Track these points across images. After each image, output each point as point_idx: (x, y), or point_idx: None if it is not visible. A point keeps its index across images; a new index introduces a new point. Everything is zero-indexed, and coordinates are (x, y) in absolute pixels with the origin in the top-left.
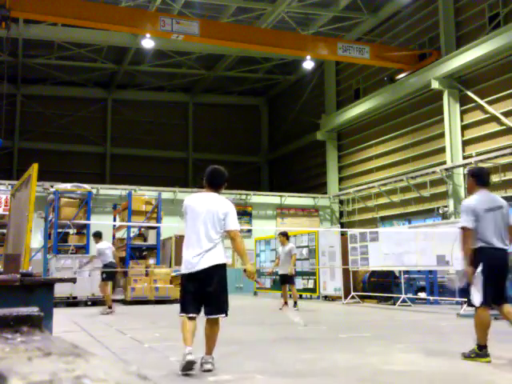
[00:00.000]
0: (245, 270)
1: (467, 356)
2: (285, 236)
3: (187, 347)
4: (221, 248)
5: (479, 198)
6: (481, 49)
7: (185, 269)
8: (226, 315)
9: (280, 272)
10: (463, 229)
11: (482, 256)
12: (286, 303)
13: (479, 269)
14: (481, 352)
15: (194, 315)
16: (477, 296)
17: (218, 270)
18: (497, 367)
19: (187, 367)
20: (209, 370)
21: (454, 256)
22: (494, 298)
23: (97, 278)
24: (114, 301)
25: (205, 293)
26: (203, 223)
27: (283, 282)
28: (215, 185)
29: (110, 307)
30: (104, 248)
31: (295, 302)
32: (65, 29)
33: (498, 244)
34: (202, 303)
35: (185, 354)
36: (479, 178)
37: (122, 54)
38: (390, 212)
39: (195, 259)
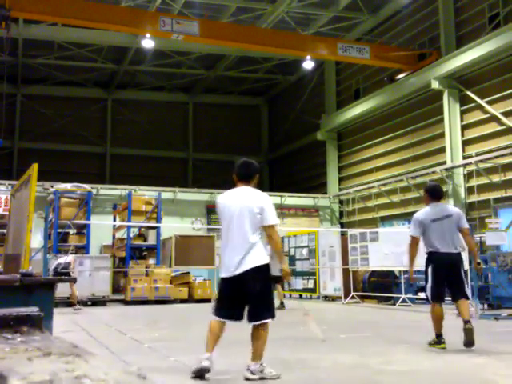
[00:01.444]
0: (281, 270)
1: (429, 343)
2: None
3: (206, 353)
4: (261, 247)
5: (428, 211)
6: (481, 49)
7: (224, 272)
8: (273, 318)
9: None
10: (411, 237)
11: (429, 259)
12: (282, 302)
13: (429, 270)
14: (437, 340)
15: (225, 321)
16: (428, 294)
17: (260, 272)
18: (499, 367)
19: (199, 372)
20: (246, 379)
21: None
22: (439, 295)
23: (97, 278)
24: (116, 300)
25: (247, 297)
26: (238, 221)
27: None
28: (246, 177)
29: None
30: None
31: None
32: (65, 29)
33: (443, 249)
34: (241, 309)
35: (201, 359)
36: (431, 193)
37: (122, 53)
38: (389, 212)
39: (234, 261)
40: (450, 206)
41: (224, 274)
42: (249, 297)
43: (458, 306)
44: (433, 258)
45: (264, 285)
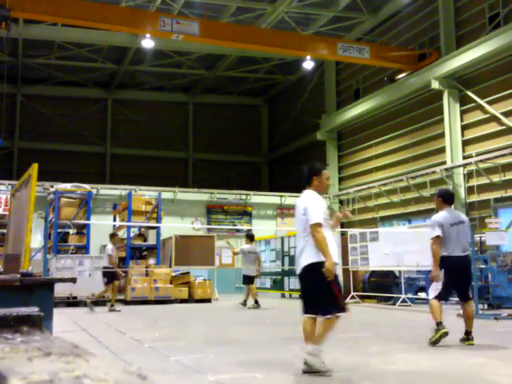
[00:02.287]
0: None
1: (430, 339)
2: (250, 238)
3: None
4: (310, 246)
5: (446, 215)
6: (481, 49)
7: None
8: (326, 315)
9: (245, 272)
10: (435, 237)
11: (442, 262)
12: (256, 301)
13: (442, 272)
14: (438, 327)
15: (304, 315)
16: (431, 292)
17: (310, 271)
18: (499, 367)
19: (309, 370)
20: (305, 363)
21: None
22: (445, 297)
23: (97, 278)
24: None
25: (304, 294)
26: (296, 223)
27: (246, 281)
28: (305, 181)
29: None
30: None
31: (245, 301)
32: (65, 29)
33: (457, 253)
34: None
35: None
36: (445, 198)
37: (122, 53)
38: (389, 212)
39: (296, 262)
40: (461, 213)
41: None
42: (304, 294)
43: (467, 309)
44: (447, 261)
45: (313, 283)
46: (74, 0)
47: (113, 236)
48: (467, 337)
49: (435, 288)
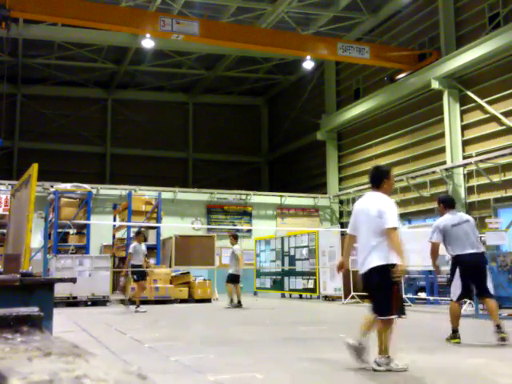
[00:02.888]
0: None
1: (446, 339)
2: (234, 237)
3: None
4: (381, 249)
5: (447, 217)
6: (481, 49)
7: (359, 268)
8: (383, 316)
9: (230, 271)
10: (432, 243)
11: (456, 262)
12: (238, 301)
13: (457, 272)
14: (453, 335)
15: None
16: (453, 292)
17: (379, 272)
18: (499, 367)
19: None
20: (374, 370)
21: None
22: (464, 296)
23: (97, 278)
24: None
25: (368, 293)
26: (363, 224)
27: (230, 280)
28: (375, 183)
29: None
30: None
31: (231, 300)
32: (65, 29)
33: (467, 250)
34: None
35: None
36: (446, 204)
37: (122, 53)
38: None
39: (360, 261)
40: (464, 214)
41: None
42: (368, 293)
43: (487, 304)
44: (459, 260)
45: (377, 285)
46: (73, 0)
47: (137, 234)
48: (499, 330)
49: (455, 286)
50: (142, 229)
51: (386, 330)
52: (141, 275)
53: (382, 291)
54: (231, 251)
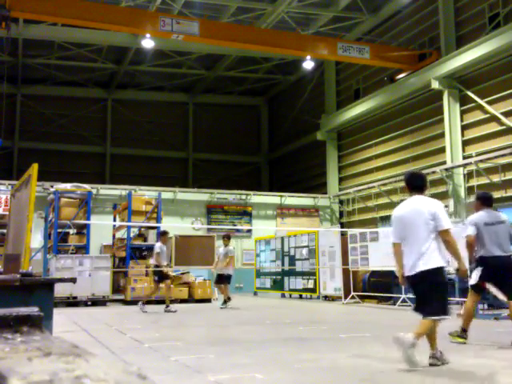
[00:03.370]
0: (457, 270)
1: (451, 334)
2: (228, 238)
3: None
4: (435, 250)
5: (482, 215)
6: (481, 49)
7: (406, 271)
8: (433, 316)
9: (218, 272)
10: (468, 236)
11: (481, 262)
12: (225, 301)
13: (479, 268)
14: (461, 333)
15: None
16: (471, 281)
17: (433, 275)
18: (499, 367)
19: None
20: (431, 365)
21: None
22: (481, 288)
23: (97, 278)
24: (116, 300)
25: (417, 295)
26: (414, 227)
27: (219, 281)
28: (419, 188)
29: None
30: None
31: (225, 301)
32: (65, 29)
33: (495, 252)
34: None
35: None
36: (483, 201)
37: (122, 53)
38: (390, 212)
39: (411, 263)
40: (502, 213)
41: (406, 273)
42: (417, 295)
43: (510, 307)
44: (484, 260)
45: (429, 287)
46: (74, 0)
47: (162, 235)
48: None
49: (474, 276)
50: (142, 229)
51: (425, 327)
52: (162, 276)
53: (439, 292)
54: (225, 252)
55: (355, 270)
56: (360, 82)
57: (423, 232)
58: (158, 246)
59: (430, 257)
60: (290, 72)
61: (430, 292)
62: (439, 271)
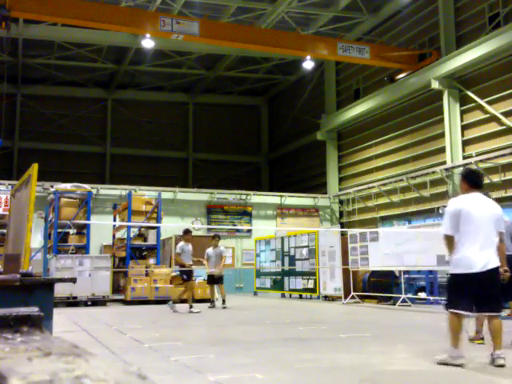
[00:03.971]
0: (505, 271)
1: (470, 339)
2: (218, 238)
3: (456, 349)
4: (495, 250)
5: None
6: (481, 49)
7: (465, 267)
8: (498, 312)
9: (216, 273)
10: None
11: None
12: (213, 301)
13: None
14: (477, 336)
15: (465, 313)
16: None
17: (496, 273)
18: (499, 367)
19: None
20: (501, 365)
21: None
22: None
23: (97, 278)
24: (116, 300)
25: (482, 292)
26: (484, 225)
27: (213, 281)
28: (479, 184)
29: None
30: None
31: (223, 300)
32: (65, 29)
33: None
34: (471, 302)
35: (453, 357)
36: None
37: (122, 53)
38: (390, 212)
39: (476, 260)
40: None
41: (463, 270)
42: (482, 293)
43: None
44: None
45: (498, 283)
46: (73, 0)
47: (185, 233)
48: None
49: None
50: (142, 229)
51: (497, 325)
52: (189, 275)
53: (499, 290)
54: (219, 252)
55: (355, 270)
56: (360, 82)
57: (493, 230)
58: (179, 246)
59: (496, 255)
60: (290, 72)
61: (497, 289)
62: (498, 270)
